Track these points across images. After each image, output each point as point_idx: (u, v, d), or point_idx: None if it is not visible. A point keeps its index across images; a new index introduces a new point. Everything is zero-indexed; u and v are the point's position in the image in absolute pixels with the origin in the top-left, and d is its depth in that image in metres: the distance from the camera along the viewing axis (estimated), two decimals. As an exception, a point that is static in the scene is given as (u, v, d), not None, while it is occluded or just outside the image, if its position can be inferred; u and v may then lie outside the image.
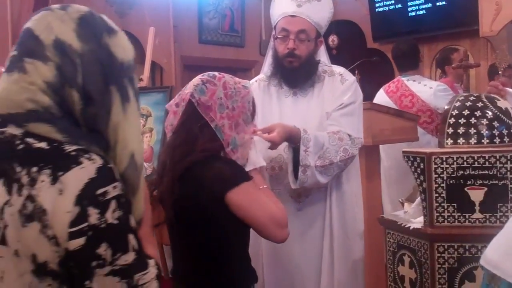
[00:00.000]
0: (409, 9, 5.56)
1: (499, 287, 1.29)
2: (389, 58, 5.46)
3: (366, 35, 6.06)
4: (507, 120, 2.22)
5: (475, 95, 2.33)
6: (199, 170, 1.81)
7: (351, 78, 2.52)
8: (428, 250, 2.17)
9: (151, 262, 1.17)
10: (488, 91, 2.60)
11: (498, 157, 2.11)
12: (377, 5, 5.79)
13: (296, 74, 2.47)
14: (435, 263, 2.15)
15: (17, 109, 1.11)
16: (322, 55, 2.58)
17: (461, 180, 2.13)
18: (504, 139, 2.20)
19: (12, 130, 1.11)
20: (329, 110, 2.42)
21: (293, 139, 2.26)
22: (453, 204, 2.15)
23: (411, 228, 2.28)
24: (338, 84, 2.47)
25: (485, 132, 2.21)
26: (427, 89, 3.94)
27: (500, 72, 3.28)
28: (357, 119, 2.45)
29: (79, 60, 1.14)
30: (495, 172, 2.11)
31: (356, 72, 4.55)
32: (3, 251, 1.07)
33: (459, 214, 2.14)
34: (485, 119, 2.22)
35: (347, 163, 2.38)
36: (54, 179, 1.06)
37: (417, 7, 5.51)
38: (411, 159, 2.25)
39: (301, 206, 2.46)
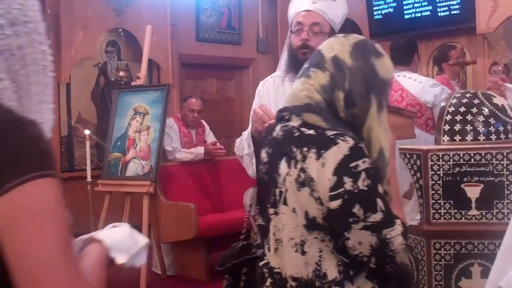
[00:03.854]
0: (406, 7, 5.58)
1: None
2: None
3: (364, 33, 6.06)
4: (503, 117, 2.23)
5: (471, 92, 2.34)
6: None
7: None
8: (425, 247, 2.18)
9: (398, 221, 1.46)
10: (488, 87, 2.60)
11: (494, 154, 2.11)
12: (374, 3, 5.80)
13: None
14: (431, 260, 2.16)
15: (298, 102, 1.53)
16: None
17: (458, 177, 2.13)
18: (500, 136, 2.20)
19: (293, 122, 1.52)
20: None
21: None
22: (449, 201, 2.15)
23: (407, 225, 2.28)
24: None
25: (481, 129, 2.21)
26: (416, 84, 3.94)
27: (500, 68, 3.28)
28: None
29: (348, 72, 1.51)
30: (491, 169, 2.11)
31: (353, 69, 4.55)
32: (285, 209, 1.49)
33: (456, 211, 2.15)
34: (481, 116, 2.23)
35: None
36: (319, 156, 1.42)
37: (413, 5, 5.52)
38: (408, 156, 2.25)
39: None
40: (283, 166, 1.50)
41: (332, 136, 1.43)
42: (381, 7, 5.78)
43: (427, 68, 5.54)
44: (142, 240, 1.35)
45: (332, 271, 1.45)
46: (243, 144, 2.44)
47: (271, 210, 1.54)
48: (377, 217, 1.41)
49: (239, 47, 6.58)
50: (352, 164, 1.40)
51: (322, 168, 1.41)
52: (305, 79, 1.55)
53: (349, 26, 6.19)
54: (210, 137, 5.32)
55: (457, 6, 5.23)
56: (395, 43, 4.21)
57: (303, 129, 1.50)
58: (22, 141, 0.99)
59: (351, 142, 1.42)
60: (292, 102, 1.56)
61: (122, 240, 1.28)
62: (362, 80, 1.51)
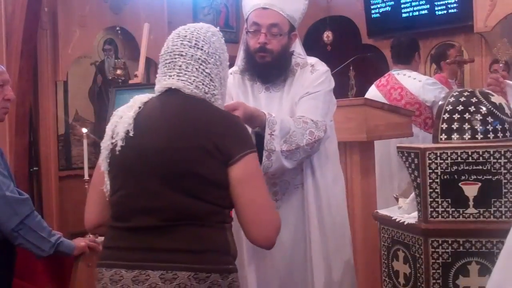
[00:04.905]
0: (403, 6, 5.58)
1: None
2: (384, 54, 5.47)
3: (361, 31, 6.06)
4: (501, 115, 2.23)
5: (469, 90, 2.33)
6: None
7: (322, 68, 2.43)
8: (422, 245, 2.18)
9: None
10: (488, 83, 2.60)
11: (492, 153, 2.11)
12: (372, 1, 5.80)
13: (269, 69, 2.38)
14: (429, 258, 2.16)
15: None
16: (297, 46, 2.48)
17: (455, 176, 2.13)
18: (498, 134, 2.20)
19: None
20: (297, 100, 2.36)
21: (255, 121, 2.15)
22: (447, 199, 2.15)
23: (405, 223, 2.28)
24: (308, 74, 2.39)
25: (479, 127, 2.21)
26: (416, 82, 3.96)
27: (501, 65, 3.28)
28: (322, 104, 2.35)
29: None
30: (489, 167, 2.11)
31: (351, 68, 4.55)
32: None
33: (453, 209, 2.15)
34: (479, 115, 2.22)
35: (313, 147, 2.28)
36: None
37: (411, 3, 5.53)
38: (405, 154, 2.25)
39: (278, 204, 2.39)
40: None
41: None
42: (378, 5, 5.78)
43: (425, 67, 5.55)
44: None
45: None
46: None
47: None
48: None
49: (237, 45, 6.53)
50: None
51: None
52: None
53: (345, 24, 6.20)
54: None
55: (454, 5, 5.24)
56: (396, 41, 4.23)
57: None
58: (239, 129, 1.69)
59: None
60: None
61: None
62: None
